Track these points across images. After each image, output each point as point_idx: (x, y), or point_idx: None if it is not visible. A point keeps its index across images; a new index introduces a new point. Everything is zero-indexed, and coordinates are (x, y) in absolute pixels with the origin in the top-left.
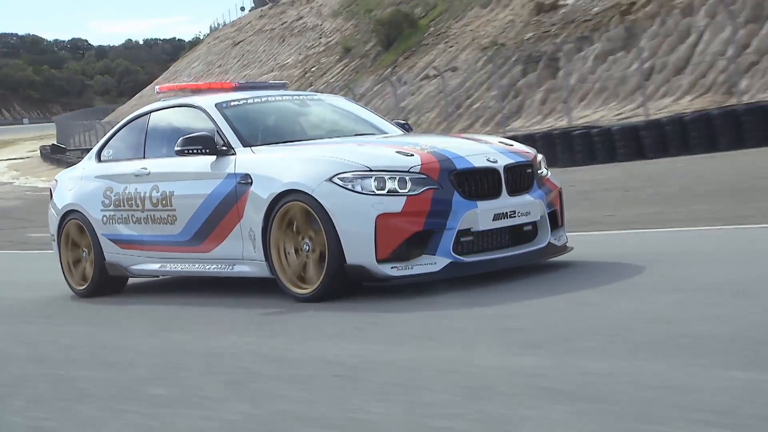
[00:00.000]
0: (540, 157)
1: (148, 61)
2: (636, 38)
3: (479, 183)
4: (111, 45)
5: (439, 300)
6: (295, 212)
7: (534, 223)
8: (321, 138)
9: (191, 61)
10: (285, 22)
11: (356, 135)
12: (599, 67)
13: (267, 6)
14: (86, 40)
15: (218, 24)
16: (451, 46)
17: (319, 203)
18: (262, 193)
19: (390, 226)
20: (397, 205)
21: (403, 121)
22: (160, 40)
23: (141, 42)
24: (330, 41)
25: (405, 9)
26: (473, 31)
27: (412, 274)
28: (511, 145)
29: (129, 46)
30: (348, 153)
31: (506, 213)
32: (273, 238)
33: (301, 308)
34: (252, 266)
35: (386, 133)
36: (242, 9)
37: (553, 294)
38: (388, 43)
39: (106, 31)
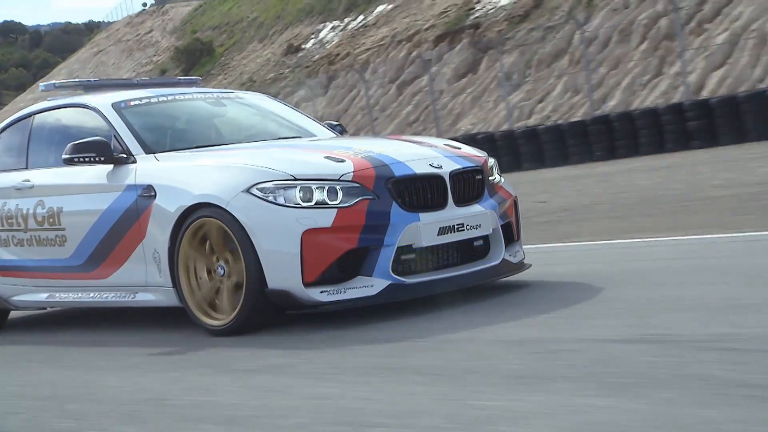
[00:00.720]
0: (491, 161)
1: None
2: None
3: (422, 192)
4: (49, 27)
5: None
6: (208, 230)
7: (486, 238)
8: (239, 143)
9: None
10: (139, 34)
11: (280, 139)
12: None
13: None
14: (20, 23)
15: (113, 18)
16: (225, 78)
17: (235, 218)
18: (168, 206)
19: (318, 244)
20: (326, 219)
21: (335, 123)
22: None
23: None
24: (160, 60)
25: (208, 37)
26: (243, 66)
27: (346, 299)
28: (459, 149)
29: (68, 29)
30: (269, 159)
31: (453, 226)
32: (182, 259)
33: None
34: (157, 294)
35: (315, 136)
36: (144, 5)
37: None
38: (188, 70)
39: (69, 6)
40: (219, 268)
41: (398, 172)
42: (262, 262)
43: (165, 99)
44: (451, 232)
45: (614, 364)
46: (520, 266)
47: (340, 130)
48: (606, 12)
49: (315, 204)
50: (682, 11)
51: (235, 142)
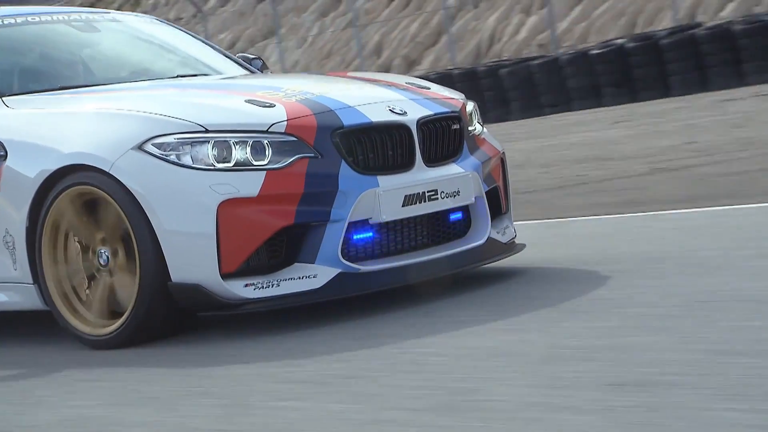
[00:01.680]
0: (471, 105)
1: None
2: None
3: (380, 147)
4: None
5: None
6: (83, 203)
7: (466, 209)
8: (121, 83)
9: None
10: None
11: (179, 77)
12: None
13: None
14: None
15: None
16: None
17: (122, 186)
18: (25, 170)
19: (241, 221)
20: (251, 185)
21: (252, 56)
22: None
23: None
24: None
25: None
26: None
27: (280, 295)
28: (427, 89)
29: None
30: (168, 104)
31: (423, 194)
32: (46, 245)
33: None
34: (12, 293)
35: (226, 73)
36: None
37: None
38: None
39: None
40: (101, 255)
41: (348, 121)
42: (162, 246)
43: (12, 22)
44: (419, 202)
45: None
46: (511, 247)
47: (260, 67)
48: None
49: (235, 165)
50: None
51: (114, 82)
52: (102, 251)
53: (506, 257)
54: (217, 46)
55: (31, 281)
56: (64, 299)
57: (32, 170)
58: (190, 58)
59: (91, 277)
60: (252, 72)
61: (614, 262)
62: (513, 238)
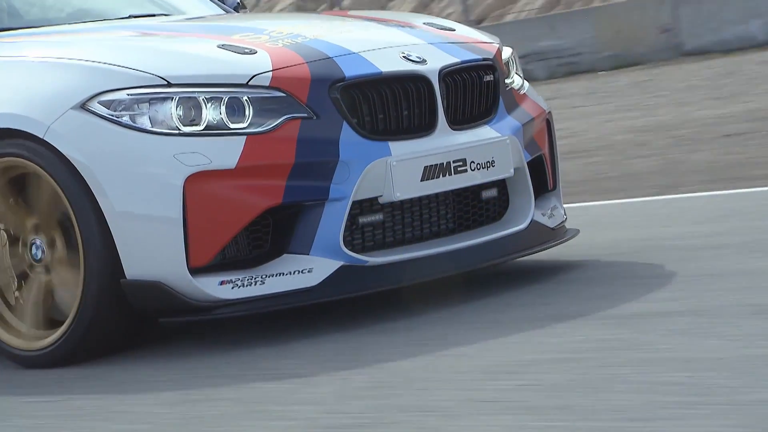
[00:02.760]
0: (508, 52)
1: None
2: None
3: (392, 105)
4: None
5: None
6: (8, 181)
7: (503, 184)
8: (62, 24)
9: None
10: None
11: (131, 18)
12: None
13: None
14: None
15: None
16: None
17: (61, 156)
18: None
19: (214, 200)
20: (227, 154)
21: None
22: None
23: None
24: None
25: None
26: None
27: (264, 295)
28: (451, 30)
29: None
30: (118, 51)
31: (447, 165)
32: None
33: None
34: None
35: (191, 13)
36: None
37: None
38: None
39: None
40: (34, 246)
41: (351, 71)
42: (113, 233)
43: None
44: (443, 175)
45: None
46: (561, 233)
47: (236, 6)
48: None
49: (206, 129)
50: None
51: (54, 23)
52: (35, 242)
53: (554, 246)
54: None
55: None
56: None
57: None
58: None
59: (22, 276)
60: (226, 12)
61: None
62: (563, 222)
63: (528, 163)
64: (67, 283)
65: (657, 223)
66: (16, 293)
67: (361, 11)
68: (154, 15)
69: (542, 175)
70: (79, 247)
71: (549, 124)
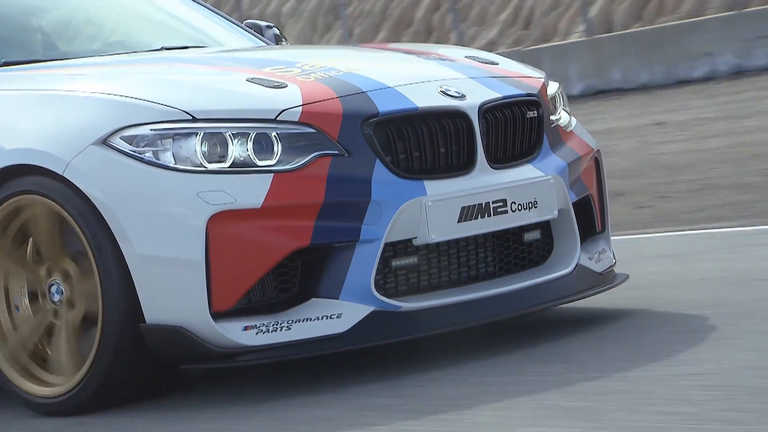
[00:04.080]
0: (554, 86)
1: None
2: None
3: (429, 143)
4: None
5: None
6: (32, 217)
7: (546, 226)
8: (91, 56)
9: None
10: None
11: (164, 50)
12: None
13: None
14: None
15: None
16: None
17: (81, 193)
18: None
19: (239, 241)
20: (253, 193)
21: (266, 23)
22: None
23: None
24: None
25: None
26: None
27: (291, 342)
28: (494, 64)
29: None
30: (142, 85)
31: (486, 205)
32: None
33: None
34: None
35: (228, 45)
36: None
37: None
38: None
39: None
40: (53, 288)
41: (385, 106)
42: (133, 276)
43: None
44: (482, 216)
45: None
46: (608, 278)
47: (275, 38)
48: None
49: (231, 166)
50: None
51: (80, 56)
52: (52, 285)
53: (601, 291)
54: (218, 11)
55: None
56: (23, 373)
57: None
58: (181, 25)
59: (49, 329)
60: (265, 44)
61: None
62: (611, 266)
63: (574, 204)
64: (68, 346)
65: None
66: (48, 349)
67: (402, 44)
68: (187, 47)
69: (590, 217)
70: (97, 288)
71: (598, 162)
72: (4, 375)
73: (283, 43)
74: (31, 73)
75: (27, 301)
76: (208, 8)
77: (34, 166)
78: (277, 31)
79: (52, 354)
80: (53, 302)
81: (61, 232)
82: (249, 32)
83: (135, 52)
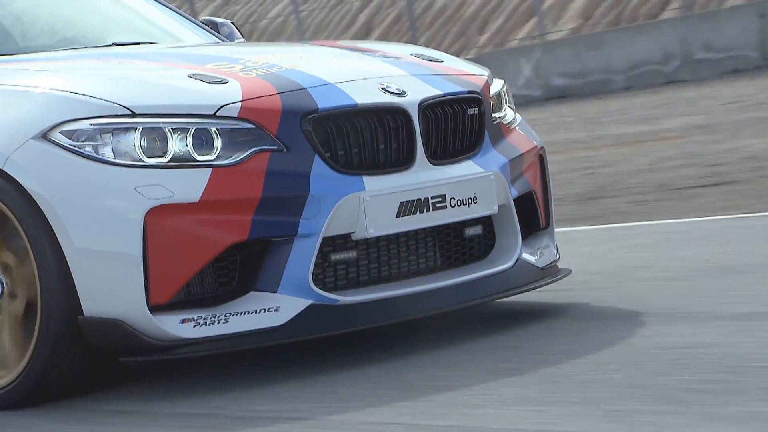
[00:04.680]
0: (498, 84)
1: None
2: None
3: (368, 139)
4: None
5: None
6: None
7: (488, 222)
8: (41, 51)
9: None
10: None
11: (115, 46)
12: None
13: None
14: None
15: None
16: None
17: (20, 187)
18: None
19: (176, 235)
20: (190, 187)
21: (220, 19)
22: None
23: None
24: None
25: None
26: None
27: (228, 335)
28: (438, 61)
29: None
30: (84, 80)
31: (425, 200)
32: None
33: None
34: None
35: (183, 41)
36: None
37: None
38: None
39: None
40: None
41: (325, 102)
42: (71, 269)
43: None
44: (421, 211)
45: None
46: (550, 272)
47: (228, 34)
48: None
49: (171, 161)
50: None
51: (29, 50)
52: None
53: (542, 286)
54: (178, 10)
55: None
56: None
57: None
58: (138, 21)
59: None
60: (217, 39)
61: None
62: (554, 261)
63: (516, 200)
64: (11, 339)
65: None
66: None
67: (350, 41)
68: (138, 43)
69: (533, 213)
70: (36, 281)
71: (542, 159)
72: None
73: (239, 39)
74: None
75: None
76: (166, 5)
77: None
78: (233, 28)
79: (2, 349)
80: None
81: (2, 227)
82: (204, 29)
83: (85, 47)
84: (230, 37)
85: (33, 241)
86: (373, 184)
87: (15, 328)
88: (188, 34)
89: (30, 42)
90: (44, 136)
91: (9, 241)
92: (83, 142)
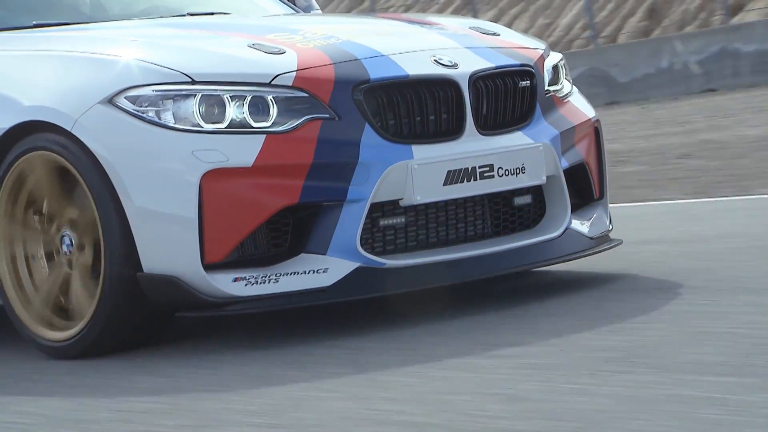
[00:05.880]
0: (555, 58)
1: None
2: None
3: (418, 109)
4: None
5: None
6: (41, 173)
7: (538, 192)
8: (114, 21)
9: None
10: None
11: (189, 16)
12: None
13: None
14: None
15: None
16: None
17: (86, 149)
18: None
19: (230, 197)
20: (245, 152)
21: None
22: None
23: None
24: None
25: None
26: None
27: (279, 293)
28: (496, 35)
29: None
30: (149, 48)
31: (473, 170)
32: (4, 200)
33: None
34: None
35: (259, 11)
36: None
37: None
38: None
39: None
40: (64, 241)
41: (376, 73)
42: (132, 228)
43: None
44: (468, 180)
45: None
46: (602, 241)
47: (306, 7)
48: None
49: (228, 127)
50: None
51: (102, 20)
52: (66, 234)
53: (590, 255)
54: None
55: None
56: (11, 265)
57: None
58: None
59: (49, 256)
60: (295, 12)
61: None
62: (606, 232)
63: (567, 171)
64: (83, 287)
65: None
66: (64, 298)
67: (415, 14)
68: (212, 14)
69: (586, 184)
70: (100, 239)
71: (597, 131)
72: (27, 327)
73: (315, 11)
74: (55, 35)
75: (45, 263)
76: None
77: (46, 122)
78: (311, 1)
79: (72, 302)
80: (66, 253)
81: (66, 186)
82: (282, 1)
83: (161, 17)
84: (307, 9)
85: (97, 201)
86: (422, 152)
87: (85, 279)
88: (267, 4)
89: (97, 11)
90: (110, 101)
91: (76, 200)
92: (146, 107)
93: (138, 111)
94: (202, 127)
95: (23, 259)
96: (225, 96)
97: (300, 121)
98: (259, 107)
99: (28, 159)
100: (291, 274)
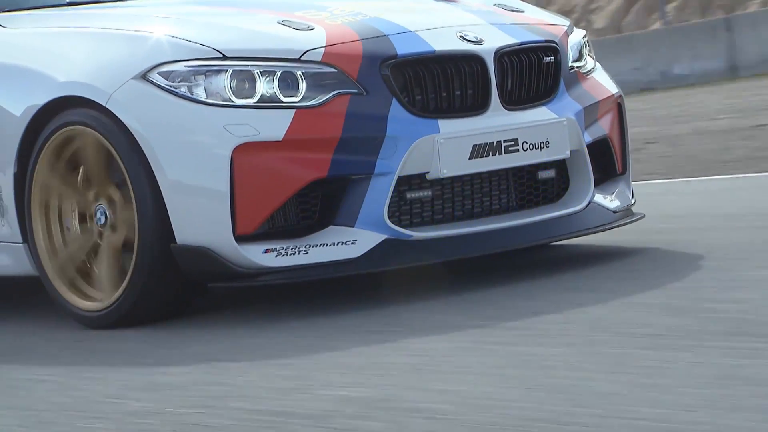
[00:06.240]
0: (578, 35)
1: None
2: None
3: (444, 84)
4: None
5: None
6: (82, 146)
7: (562, 166)
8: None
9: None
10: None
11: None
12: None
13: None
14: None
15: None
16: None
17: (121, 124)
18: (12, 106)
19: (262, 171)
20: (276, 126)
21: None
22: None
23: None
24: None
25: None
26: None
27: (309, 264)
28: (520, 12)
29: None
30: (181, 25)
31: (498, 144)
32: (37, 195)
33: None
34: (3, 254)
35: None
36: None
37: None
38: None
39: None
40: (98, 212)
41: (404, 49)
42: (165, 200)
43: None
44: (493, 154)
45: None
46: (623, 216)
47: None
48: None
49: (258, 102)
50: None
51: None
52: (98, 209)
53: (613, 228)
54: None
55: (21, 240)
56: (53, 262)
57: (19, 105)
58: None
59: (81, 218)
60: None
61: None
62: (628, 206)
63: (590, 146)
64: (108, 264)
65: None
66: (93, 265)
67: None
68: None
69: (609, 159)
70: (134, 214)
71: (620, 107)
72: (54, 287)
73: None
74: (89, 12)
75: (77, 222)
76: None
77: (82, 97)
78: None
79: (97, 270)
80: (99, 225)
81: (106, 162)
82: None
83: None
84: None
85: (131, 174)
86: (448, 127)
87: (113, 256)
88: None
89: None
90: (143, 76)
91: (114, 177)
92: (178, 82)
93: (171, 86)
94: (233, 101)
95: (56, 210)
96: (255, 71)
97: (329, 96)
98: (288, 82)
99: (72, 129)
100: (320, 245)
